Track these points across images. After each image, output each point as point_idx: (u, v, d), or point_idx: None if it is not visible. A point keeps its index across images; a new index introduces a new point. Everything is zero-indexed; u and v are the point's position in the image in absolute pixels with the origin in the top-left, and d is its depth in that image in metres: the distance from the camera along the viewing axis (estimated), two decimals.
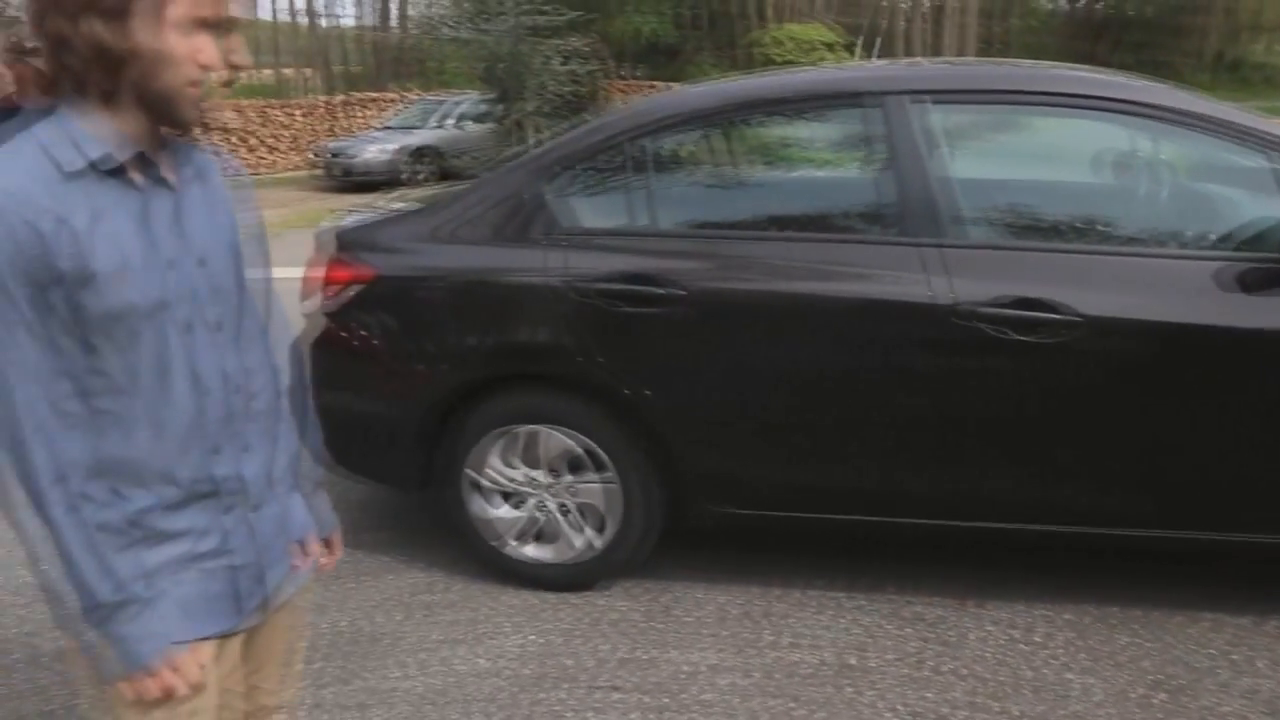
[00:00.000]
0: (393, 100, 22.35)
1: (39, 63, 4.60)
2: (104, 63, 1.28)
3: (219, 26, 1.33)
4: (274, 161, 20.51)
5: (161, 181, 1.36)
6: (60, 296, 1.27)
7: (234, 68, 1.36)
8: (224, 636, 1.48)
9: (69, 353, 1.30)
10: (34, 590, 3.44)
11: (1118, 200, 3.36)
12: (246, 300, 1.49)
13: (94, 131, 1.30)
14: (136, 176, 1.33)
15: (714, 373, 2.99)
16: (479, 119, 17.76)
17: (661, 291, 2.97)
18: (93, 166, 1.29)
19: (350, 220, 3.54)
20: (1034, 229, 3.04)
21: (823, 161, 3.59)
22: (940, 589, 3.27)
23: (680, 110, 3.22)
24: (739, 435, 3.04)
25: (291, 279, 3.06)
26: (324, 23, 30.90)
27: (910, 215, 2.89)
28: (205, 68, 1.32)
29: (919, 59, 4.46)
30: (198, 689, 1.42)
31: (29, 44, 4.22)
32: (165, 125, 1.35)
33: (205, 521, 1.43)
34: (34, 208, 1.25)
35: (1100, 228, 3.06)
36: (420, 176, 16.90)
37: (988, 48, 28.78)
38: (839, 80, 3.20)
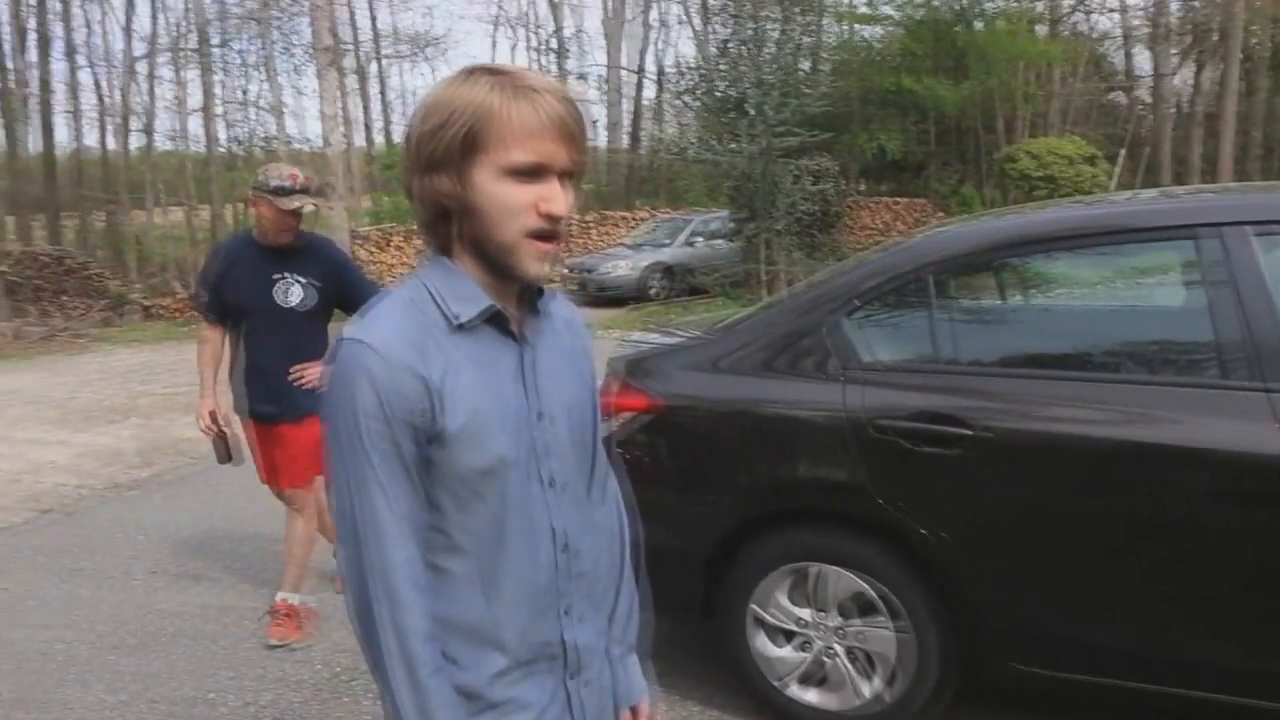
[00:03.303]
0: (643, 218, 23.19)
1: (281, 202, 4.86)
2: (452, 216, 1.25)
3: (552, 172, 1.23)
4: None
5: (510, 334, 1.30)
6: (430, 451, 1.23)
7: (548, 216, 1.23)
8: None
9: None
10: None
11: None
12: (586, 457, 1.41)
13: (468, 284, 1.27)
14: (490, 329, 1.29)
15: (1015, 518, 2.78)
16: (711, 237, 18.15)
17: (958, 431, 2.81)
18: (468, 320, 1.26)
19: (633, 346, 3.59)
20: None
21: (1139, 297, 3.36)
22: None
23: (985, 243, 3.11)
24: (1039, 588, 2.80)
25: None
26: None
27: (1242, 357, 2.61)
28: (550, 217, 1.23)
29: (1246, 185, 4.12)
30: None
31: (273, 184, 4.48)
32: (509, 277, 1.27)
33: (531, 692, 1.33)
34: (421, 359, 1.21)
35: None
36: (658, 293, 17.38)
37: (1252, 157, 26.91)
38: (1163, 212, 2.98)
